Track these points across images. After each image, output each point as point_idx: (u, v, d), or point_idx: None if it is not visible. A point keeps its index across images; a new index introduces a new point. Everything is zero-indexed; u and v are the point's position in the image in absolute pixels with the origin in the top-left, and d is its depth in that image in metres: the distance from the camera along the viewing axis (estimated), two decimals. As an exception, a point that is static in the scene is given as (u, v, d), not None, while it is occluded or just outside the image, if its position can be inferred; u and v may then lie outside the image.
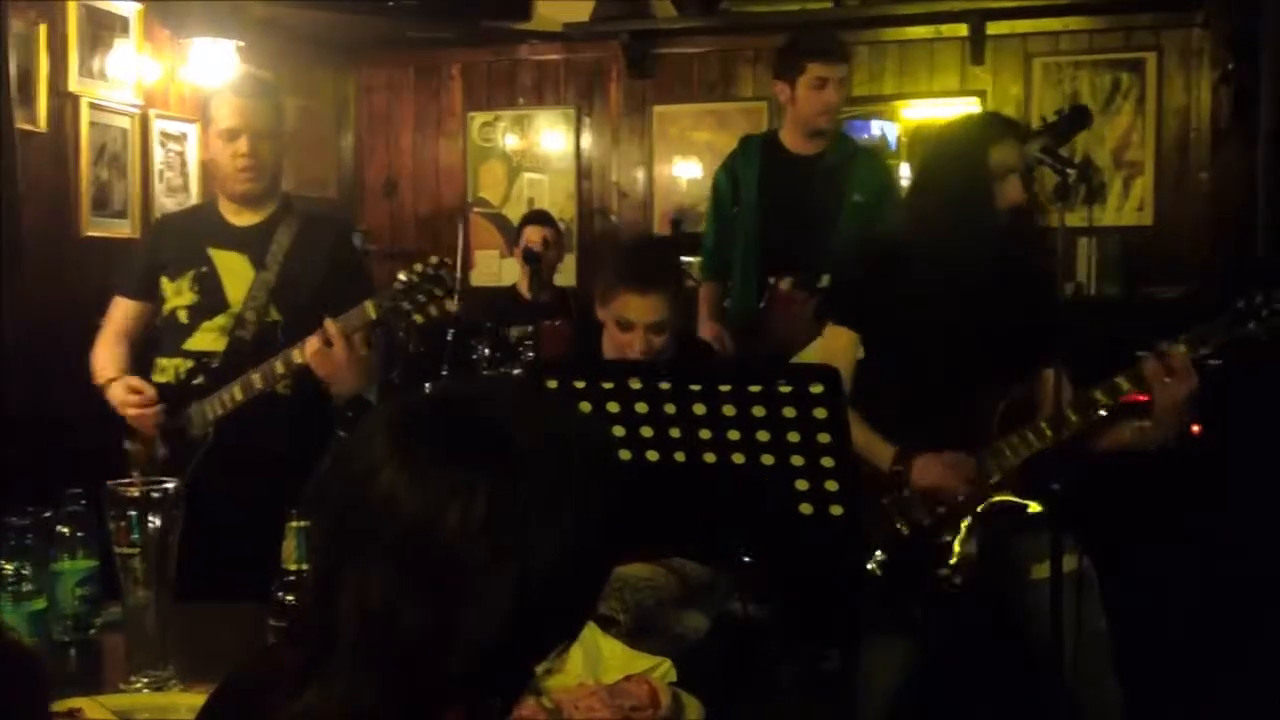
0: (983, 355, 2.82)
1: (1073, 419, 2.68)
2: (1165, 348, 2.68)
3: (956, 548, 2.78)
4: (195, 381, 3.18)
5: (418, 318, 2.98)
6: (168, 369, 3.24)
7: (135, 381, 3.20)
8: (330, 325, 2.98)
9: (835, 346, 3.01)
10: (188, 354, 3.21)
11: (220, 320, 3.21)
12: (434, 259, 2.98)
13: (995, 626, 3.04)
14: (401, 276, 2.97)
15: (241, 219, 3.30)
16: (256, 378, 3.09)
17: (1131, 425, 2.77)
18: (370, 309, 2.99)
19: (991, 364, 2.83)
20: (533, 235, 5.25)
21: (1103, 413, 2.71)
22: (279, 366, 3.06)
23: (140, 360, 3.32)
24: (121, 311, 3.36)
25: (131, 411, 3.18)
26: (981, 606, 2.90)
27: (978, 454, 2.79)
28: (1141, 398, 2.71)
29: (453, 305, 3.03)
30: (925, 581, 2.82)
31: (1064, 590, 2.55)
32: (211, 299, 3.22)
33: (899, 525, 2.83)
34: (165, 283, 3.27)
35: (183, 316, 3.23)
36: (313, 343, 2.99)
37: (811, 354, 3.99)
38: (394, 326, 3.64)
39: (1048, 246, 2.83)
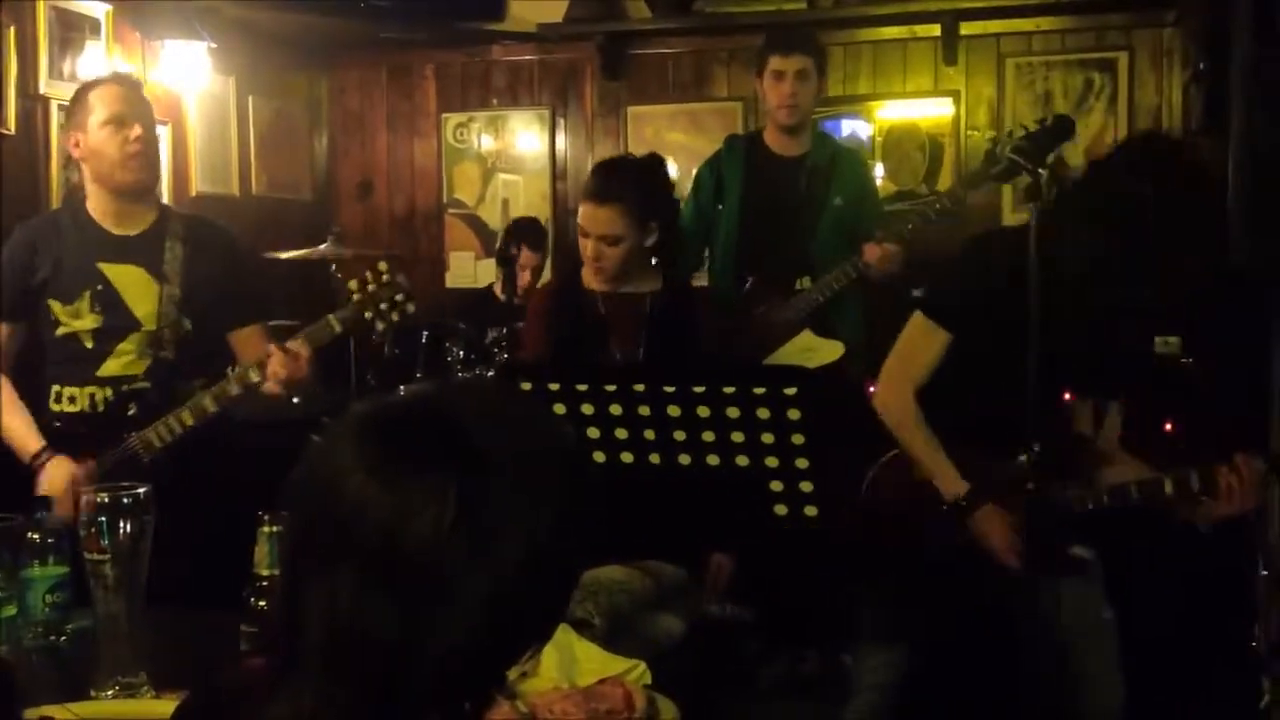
0: (1063, 381, 2.71)
1: (1134, 496, 2.64)
2: (1239, 461, 2.59)
3: None
4: (130, 413, 3.04)
5: (380, 325, 2.97)
6: (79, 398, 3.08)
7: (69, 464, 2.97)
8: (297, 344, 2.95)
9: (923, 343, 2.84)
10: (103, 381, 3.07)
11: (133, 341, 3.09)
12: (382, 265, 2.98)
13: (994, 620, 3.05)
14: (352, 286, 2.96)
15: (123, 228, 3.14)
16: (209, 402, 3.00)
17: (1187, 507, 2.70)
18: (334, 323, 2.97)
19: (1067, 391, 2.75)
20: (526, 260, 5.23)
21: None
22: (233, 389, 2.99)
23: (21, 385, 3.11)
24: (2, 338, 3.10)
25: (69, 493, 2.86)
26: (980, 601, 2.89)
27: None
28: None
29: (411, 306, 3.00)
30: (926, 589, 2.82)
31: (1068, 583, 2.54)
32: (116, 318, 3.08)
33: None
34: (56, 306, 3.07)
35: (86, 341, 3.07)
36: (276, 363, 2.93)
37: (782, 354, 4.02)
38: (357, 336, 3.57)
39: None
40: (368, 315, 2.96)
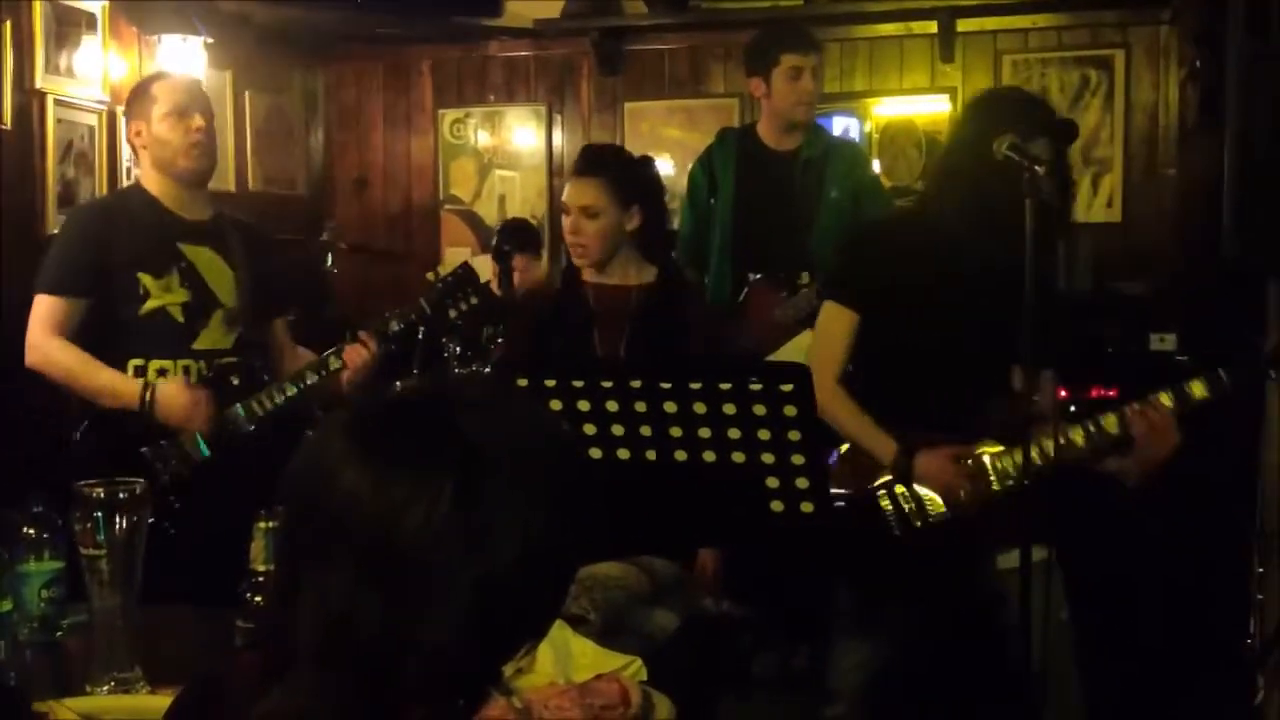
0: (983, 345, 2.79)
1: (1050, 454, 2.65)
2: (1152, 400, 2.67)
3: None
4: (236, 384, 3.21)
5: (453, 313, 3.32)
6: (172, 371, 3.18)
7: (177, 381, 3.15)
8: (366, 336, 3.25)
9: (833, 328, 2.94)
10: (197, 354, 3.21)
11: (218, 317, 3.25)
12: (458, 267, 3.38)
13: (963, 617, 3.06)
14: (431, 277, 3.37)
15: (191, 214, 3.30)
16: (309, 374, 3.23)
17: (1114, 459, 2.75)
18: (424, 306, 3.31)
19: (992, 355, 2.80)
20: (517, 263, 5.21)
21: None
22: (333, 363, 3.23)
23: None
24: (64, 312, 3.17)
25: (192, 411, 3.11)
26: (949, 597, 2.91)
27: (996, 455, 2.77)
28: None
29: (475, 300, 3.39)
30: (897, 582, 2.83)
31: (1032, 580, 2.55)
32: (203, 295, 3.23)
33: (889, 522, 2.82)
34: (147, 279, 3.18)
35: (177, 315, 3.20)
36: (355, 352, 3.21)
37: (782, 351, 4.01)
38: (435, 326, 3.75)
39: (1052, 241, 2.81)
40: (446, 302, 3.31)
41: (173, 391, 3.12)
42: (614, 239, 3.13)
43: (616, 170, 3.16)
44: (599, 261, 3.16)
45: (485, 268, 5.71)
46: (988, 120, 2.77)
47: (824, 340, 2.95)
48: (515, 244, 5.23)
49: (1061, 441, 2.66)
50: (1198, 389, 2.68)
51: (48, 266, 3.24)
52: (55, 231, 4.80)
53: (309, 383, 3.23)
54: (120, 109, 5.16)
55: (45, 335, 3.16)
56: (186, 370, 3.20)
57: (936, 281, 2.80)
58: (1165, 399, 2.68)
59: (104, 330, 3.19)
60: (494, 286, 5.27)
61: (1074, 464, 2.71)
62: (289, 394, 3.21)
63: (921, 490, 2.80)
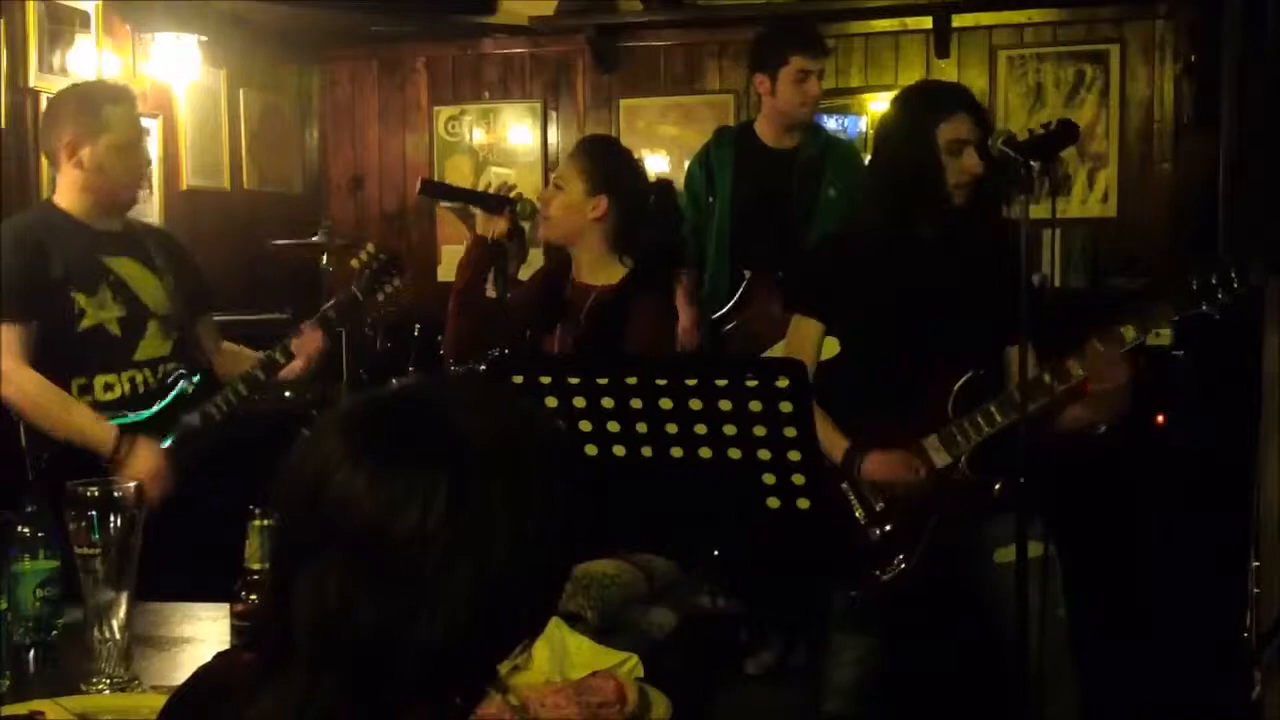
0: (937, 337, 2.86)
1: (1018, 401, 2.68)
2: (1109, 331, 2.71)
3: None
4: (182, 391, 3.23)
5: (380, 296, 3.39)
6: (116, 385, 3.16)
7: (152, 444, 3.09)
8: (309, 325, 3.32)
9: (800, 337, 3.04)
10: (140, 364, 3.18)
11: (152, 325, 3.22)
12: (370, 247, 3.44)
13: (958, 613, 3.07)
14: (355, 264, 3.37)
15: (106, 224, 3.23)
16: (259, 371, 3.28)
17: (1075, 408, 2.81)
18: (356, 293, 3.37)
19: (947, 345, 2.87)
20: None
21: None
22: (279, 358, 3.30)
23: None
24: (23, 336, 3.06)
25: (157, 478, 3.01)
26: (944, 592, 2.92)
27: (938, 435, 2.84)
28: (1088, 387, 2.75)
29: (398, 282, 3.47)
30: (881, 574, 2.86)
31: (1029, 576, 2.57)
32: (135, 307, 3.20)
33: (856, 512, 2.88)
34: (81, 298, 3.12)
35: (115, 329, 3.16)
36: (312, 340, 3.32)
37: (778, 349, 4.01)
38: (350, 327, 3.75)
39: (1006, 222, 2.87)
40: (357, 292, 3.32)
41: (148, 455, 3.05)
42: (574, 218, 3.14)
43: (590, 155, 3.21)
44: (561, 238, 3.19)
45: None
46: (909, 109, 2.98)
47: (792, 349, 3.04)
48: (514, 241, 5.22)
49: (1019, 399, 2.68)
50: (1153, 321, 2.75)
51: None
52: None
53: (262, 379, 3.27)
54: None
55: (15, 364, 3.04)
56: (132, 380, 3.16)
57: (890, 283, 2.91)
58: (1127, 331, 2.73)
59: (41, 351, 3.10)
60: (491, 286, 5.28)
61: (1040, 413, 2.75)
62: (241, 393, 3.23)
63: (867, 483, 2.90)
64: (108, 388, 3.15)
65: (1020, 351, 2.59)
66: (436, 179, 6.39)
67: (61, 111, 3.23)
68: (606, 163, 3.22)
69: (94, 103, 3.20)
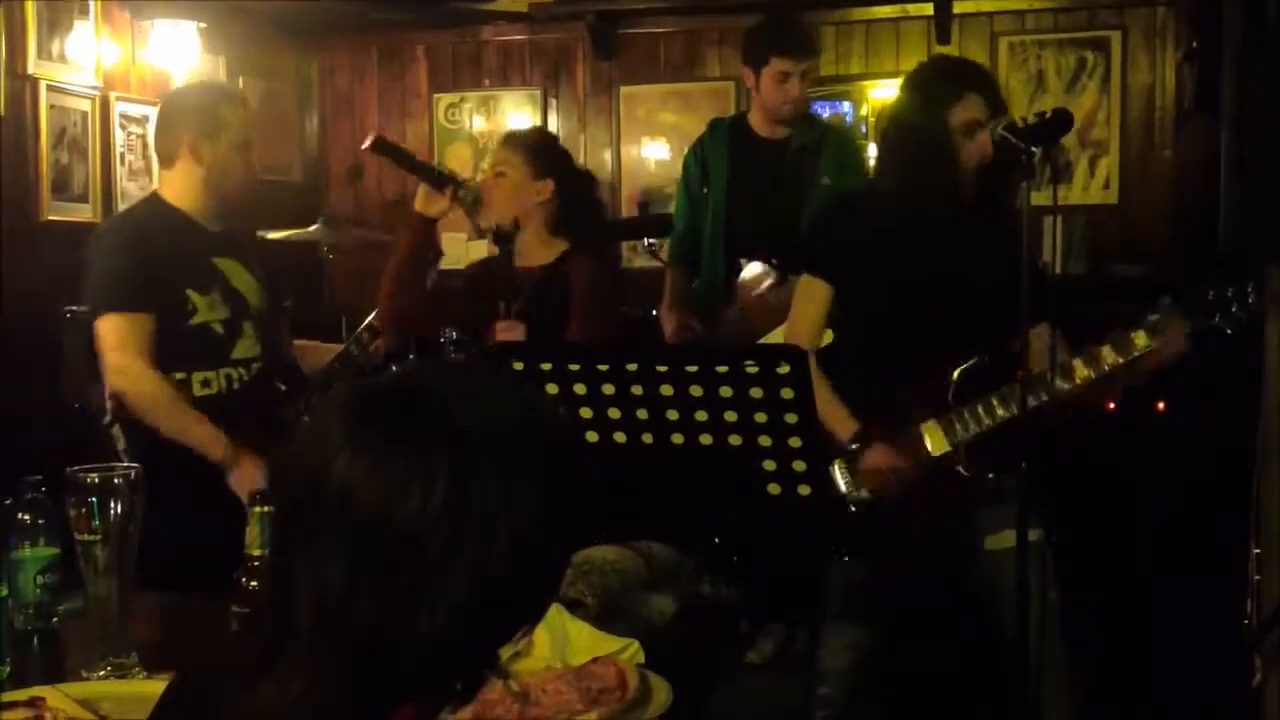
0: (943, 318, 2.84)
1: (1013, 407, 2.69)
2: (1122, 338, 2.73)
3: None
4: (280, 388, 3.32)
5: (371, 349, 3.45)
6: (214, 381, 3.20)
7: (256, 460, 3.10)
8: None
9: (806, 298, 3.00)
10: (236, 362, 3.24)
11: (249, 324, 3.28)
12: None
13: (949, 599, 3.08)
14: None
15: (216, 225, 3.29)
16: (357, 353, 3.42)
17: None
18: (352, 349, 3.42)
19: (952, 328, 2.85)
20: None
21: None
22: (369, 342, 3.42)
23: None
24: (142, 328, 3.10)
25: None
26: (935, 579, 2.93)
27: (936, 420, 2.83)
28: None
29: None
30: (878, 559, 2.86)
31: (1028, 560, 2.57)
32: (238, 306, 3.26)
33: (848, 494, 2.88)
34: (195, 296, 3.17)
35: (219, 328, 3.20)
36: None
37: (776, 334, 4.01)
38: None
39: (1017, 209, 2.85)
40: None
41: (253, 472, 3.06)
42: (519, 201, 3.31)
43: (533, 145, 3.39)
44: (508, 221, 3.32)
45: (482, 251, 5.72)
46: (921, 91, 2.91)
47: (799, 311, 3.02)
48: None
49: (1015, 407, 2.69)
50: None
51: (103, 286, 3.13)
52: (50, 218, 4.81)
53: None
54: (114, 95, 5.17)
55: (133, 358, 3.08)
56: (228, 378, 3.21)
57: (901, 254, 2.87)
58: (1138, 338, 2.75)
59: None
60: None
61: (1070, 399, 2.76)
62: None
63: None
64: (205, 383, 3.19)
65: (1021, 339, 2.58)
66: (438, 166, 6.39)
67: (179, 111, 3.30)
68: (548, 149, 3.40)
69: (212, 103, 3.28)
